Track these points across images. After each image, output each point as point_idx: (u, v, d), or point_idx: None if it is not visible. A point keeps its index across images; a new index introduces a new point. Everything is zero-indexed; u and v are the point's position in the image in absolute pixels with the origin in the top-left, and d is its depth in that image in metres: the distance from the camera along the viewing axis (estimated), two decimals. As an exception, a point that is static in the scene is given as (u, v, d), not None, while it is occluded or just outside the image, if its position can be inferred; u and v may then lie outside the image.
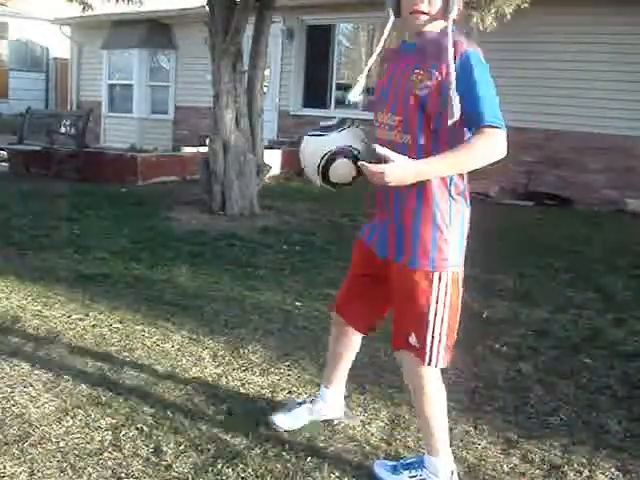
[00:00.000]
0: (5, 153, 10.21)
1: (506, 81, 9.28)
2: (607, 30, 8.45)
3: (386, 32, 2.04)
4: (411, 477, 2.21)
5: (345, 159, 2.06)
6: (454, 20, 1.91)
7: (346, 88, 10.71)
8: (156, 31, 13.33)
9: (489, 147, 1.87)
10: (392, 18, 2.02)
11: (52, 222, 6.04)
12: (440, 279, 2.01)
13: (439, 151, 1.91)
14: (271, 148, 9.97)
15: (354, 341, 2.44)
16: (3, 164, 10.04)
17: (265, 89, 8.00)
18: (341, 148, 2.07)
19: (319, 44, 11.70)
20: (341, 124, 2.14)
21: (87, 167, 9.12)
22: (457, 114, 1.87)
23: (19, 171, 9.49)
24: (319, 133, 2.14)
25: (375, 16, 8.85)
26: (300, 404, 2.58)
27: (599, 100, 8.55)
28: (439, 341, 2.04)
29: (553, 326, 3.84)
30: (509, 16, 7.04)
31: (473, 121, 1.89)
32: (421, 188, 1.97)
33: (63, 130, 9.96)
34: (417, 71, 1.93)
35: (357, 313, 2.34)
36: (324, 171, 2.10)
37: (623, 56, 8.34)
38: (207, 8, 6.74)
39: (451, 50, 1.86)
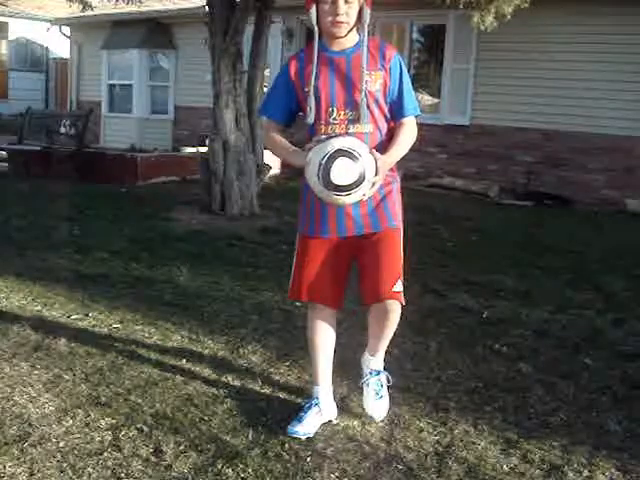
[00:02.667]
0: (5, 153, 10.20)
1: (506, 81, 9.30)
2: (607, 30, 8.44)
3: (316, 43, 2.32)
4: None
5: (346, 159, 2.18)
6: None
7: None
8: (156, 31, 13.31)
9: (415, 134, 2.42)
10: (317, 30, 2.31)
11: (52, 222, 6.04)
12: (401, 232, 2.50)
13: (385, 135, 2.38)
14: (271, 148, 9.94)
15: (333, 325, 2.59)
16: (3, 164, 10.02)
17: (265, 89, 7.99)
18: (343, 149, 2.20)
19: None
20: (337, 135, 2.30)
21: (87, 167, 9.11)
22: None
23: (19, 171, 9.49)
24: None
25: (375, 16, 8.81)
26: (307, 409, 2.54)
27: (599, 100, 8.54)
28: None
29: (553, 326, 3.84)
30: (509, 16, 7.03)
31: (401, 111, 2.38)
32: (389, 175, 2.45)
33: (63, 130, 9.98)
34: (367, 72, 2.30)
35: (332, 292, 2.50)
36: (326, 172, 2.18)
37: (623, 56, 8.34)
38: (207, 8, 6.75)
39: (387, 53, 2.34)
